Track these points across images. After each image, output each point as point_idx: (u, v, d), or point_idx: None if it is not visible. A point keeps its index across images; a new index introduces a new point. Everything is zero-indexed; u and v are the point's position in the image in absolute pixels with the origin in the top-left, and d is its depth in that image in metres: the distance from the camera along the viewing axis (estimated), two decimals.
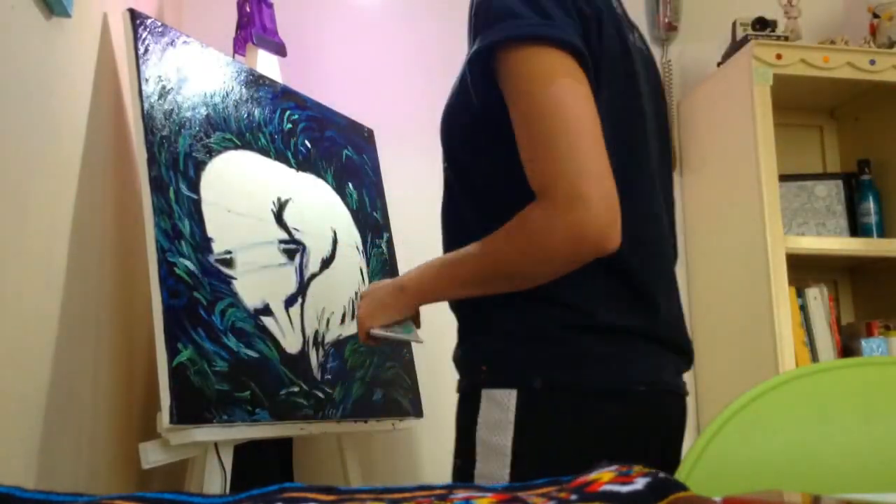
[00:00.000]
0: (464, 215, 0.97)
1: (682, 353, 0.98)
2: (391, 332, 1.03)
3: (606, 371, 0.88)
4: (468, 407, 0.93)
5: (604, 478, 0.49)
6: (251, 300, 1.45)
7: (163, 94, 1.40)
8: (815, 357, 2.01)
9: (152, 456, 1.23)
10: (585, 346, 0.88)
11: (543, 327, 0.89)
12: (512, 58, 0.81)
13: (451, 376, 2.21)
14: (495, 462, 0.88)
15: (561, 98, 0.78)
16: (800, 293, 2.04)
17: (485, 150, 0.92)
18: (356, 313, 1.05)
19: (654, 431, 0.90)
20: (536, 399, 0.87)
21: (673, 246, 1.02)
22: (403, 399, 1.79)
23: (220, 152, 1.50)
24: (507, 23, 0.81)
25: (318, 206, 1.75)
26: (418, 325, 1.12)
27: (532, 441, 0.87)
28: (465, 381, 0.97)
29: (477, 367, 0.94)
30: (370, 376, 1.71)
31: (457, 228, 1.00)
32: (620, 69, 0.89)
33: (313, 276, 1.65)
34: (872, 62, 2.06)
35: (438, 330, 2.15)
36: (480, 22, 0.84)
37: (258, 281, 1.49)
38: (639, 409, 0.89)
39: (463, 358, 0.98)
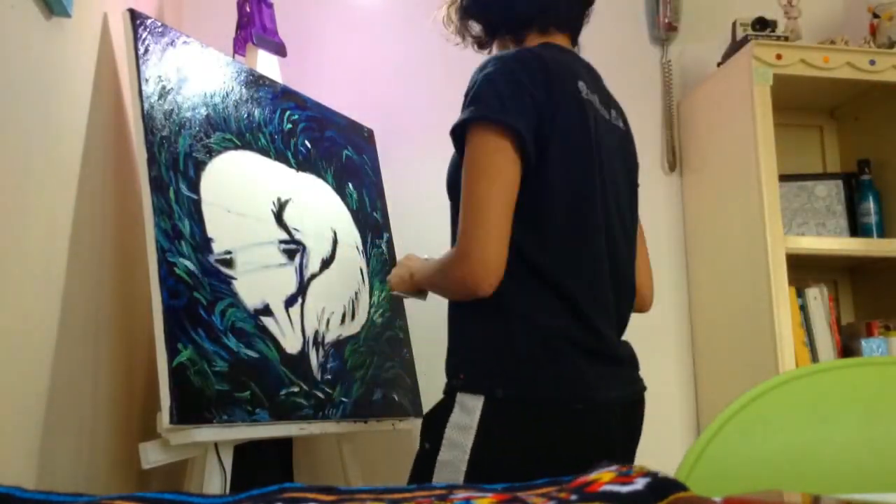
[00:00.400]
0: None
1: (623, 365, 1.20)
2: (405, 294, 1.40)
3: (554, 388, 1.08)
4: (445, 405, 1.13)
5: (604, 478, 0.49)
6: (251, 300, 1.45)
7: (163, 94, 1.40)
8: (815, 357, 2.01)
9: (152, 456, 1.23)
10: (538, 362, 1.09)
11: (506, 340, 1.11)
12: (470, 132, 1.11)
13: None
14: (456, 452, 1.08)
15: (485, 182, 1.07)
16: (800, 293, 2.03)
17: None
18: (391, 273, 1.40)
19: (595, 445, 1.09)
20: (497, 408, 1.07)
21: (625, 285, 1.23)
22: (403, 399, 1.79)
23: (220, 152, 1.50)
24: (474, 106, 1.10)
25: (318, 207, 1.75)
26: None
27: (488, 444, 1.07)
28: (448, 385, 1.16)
29: (456, 374, 1.15)
30: (370, 376, 1.71)
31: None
32: (578, 143, 1.13)
33: (313, 276, 1.65)
34: (872, 62, 2.06)
35: (438, 332, 2.15)
36: (465, 100, 1.14)
37: (258, 281, 1.49)
38: (578, 424, 1.08)
39: (447, 365, 1.19)
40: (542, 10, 1.23)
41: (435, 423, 1.13)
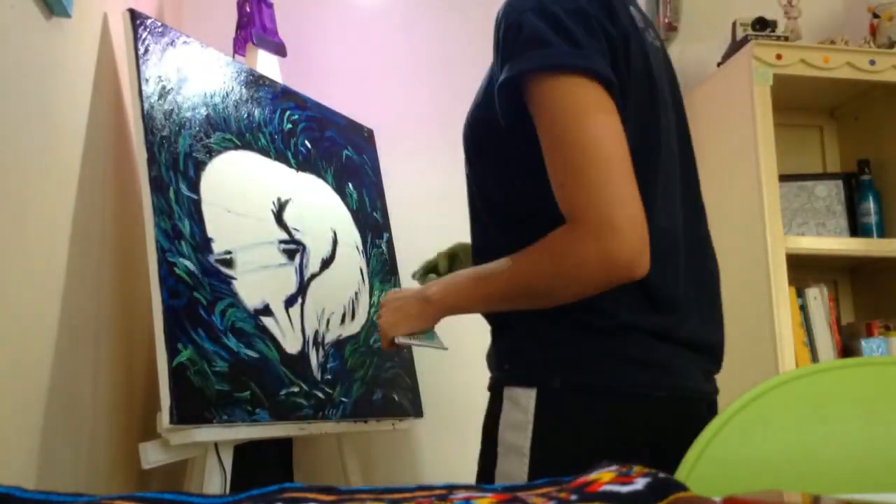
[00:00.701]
0: (486, 227, 1.00)
1: (707, 354, 0.97)
2: (416, 339, 1.03)
3: (626, 374, 0.88)
4: (493, 406, 0.94)
5: (604, 478, 0.49)
6: (251, 300, 1.45)
7: (163, 94, 1.40)
8: (815, 357, 2.01)
9: (152, 456, 1.23)
10: (604, 347, 0.88)
11: (563, 327, 0.89)
12: (544, 87, 0.82)
13: (451, 376, 2.22)
14: (515, 461, 0.89)
15: (592, 130, 0.80)
16: (800, 293, 2.03)
17: (509, 166, 0.93)
18: (378, 322, 1.05)
19: (675, 439, 0.86)
20: (554, 399, 0.88)
21: (699, 256, 0.99)
22: (403, 399, 1.79)
23: (220, 152, 1.50)
24: (538, 51, 0.82)
25: (318, 207, 1.75)
26: None
27: (548, 442, 0.88)
28: (492, 379, 0.98)
29: (501, 364, 0.96)
30: (370, 376, 1.71)
31: (479, 239, 1.02)
32: (645, 87, 0.89)
33: (313, 276, 1.65)
34: (872, 62, 2.06)
35: (438, 331, 2.14)
36: (510, 47, 0.85)
37: (258, 281, 1.48)
38: (658, 414, 0.88)
39: (490, 355, 0.99)
40: None
41: (486, 429, 0.96)
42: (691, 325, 0.93)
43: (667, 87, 0.97)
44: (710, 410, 0.96)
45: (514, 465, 0.88)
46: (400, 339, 1.02)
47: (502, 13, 0.89)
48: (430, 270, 1.23)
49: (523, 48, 0.83)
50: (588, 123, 0.81)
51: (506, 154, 0.93)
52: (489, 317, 1.01)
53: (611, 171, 0.79)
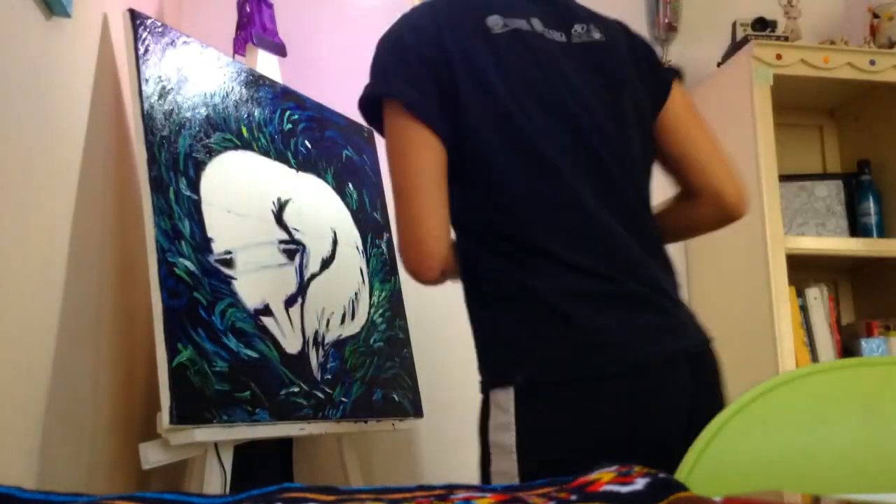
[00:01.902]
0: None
1: (663, 313, 1.00)
2: None
3: (570, 358, 0.93)
4: (483, 410, 1.02)
5: (604, 478, 0.49)
6: (251, 300, 1.45)
7: (163, 94, 1.40)
8: (815, 357, 2.01)
9: (152, 456, 1.23)
10: (547, 336, 0.95)
11: (508, 322, 0.99)
12: (383, 111, 1.04)
13: (451, 376, 2.22)
14: (506, 460, 0.94)
15: (394, 151, 1.01)
16: (800, 293, 2.03)
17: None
18: None
19: (646, 409, 0.93)
20: (525, 395, 0.94)
21: (627, 209, 1.03)
22: (403, 399, 1.79)
23: (220, 152, 1.50)
24: (371, 80, 1.07)
25: (318, 207, 1.75)
26: None
27: (530, 439, 0.93)
28: (480, 384, 1.05)
29: (482, 370, 1.04)
30: (370, 376, 1.71)
31: None
32: (500, 84, 0.98)
33: (313, 276, 1.65)
34: (872, 62, 2.06)
35: (438, 331, 2.15)
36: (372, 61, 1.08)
37: (258, 281, 1.49)
38: (620, 390, 0.92)
39: (478, 361, 1.07)
40: None
41: (481, 431, 1.01)
42: (633, 281, 0.97)
43: (581, 76, 1.03)
44: (696, 361, 1.00)
45: (507, 464, 0.94)
46: None
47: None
48: None
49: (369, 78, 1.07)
50: (393, 156, 1.00)
51: None
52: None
53: (409, 199, 0.99)
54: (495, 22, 1.03)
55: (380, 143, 2.07)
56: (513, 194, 0.98)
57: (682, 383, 0.96)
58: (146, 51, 1.38)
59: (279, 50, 1.90)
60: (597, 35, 1.08)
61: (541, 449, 0.93)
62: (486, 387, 1.00)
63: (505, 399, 0.95)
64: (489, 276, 1.00)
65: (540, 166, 0.98)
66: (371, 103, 1.05)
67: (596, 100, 1.03)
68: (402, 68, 1.00)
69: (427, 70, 0.99)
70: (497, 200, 0.98)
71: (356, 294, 1.78)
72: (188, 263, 1.33)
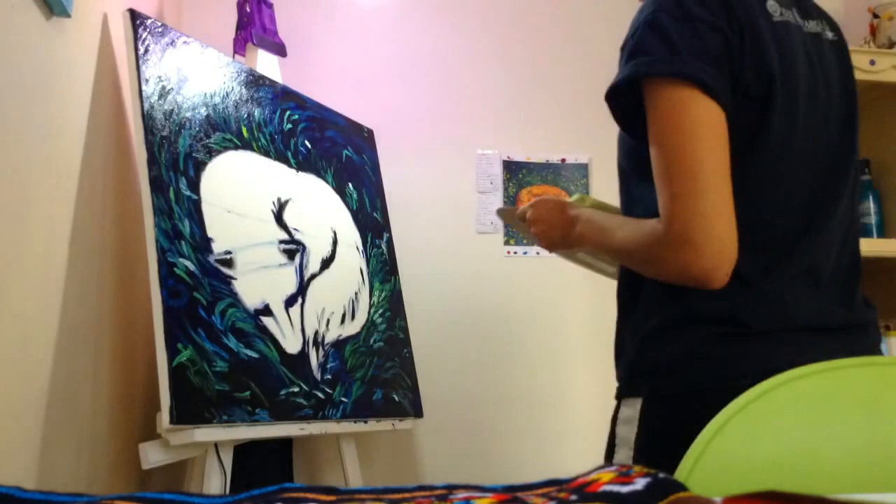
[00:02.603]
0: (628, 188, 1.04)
1: (831, 332, 0.95)
2: (589, 257, 1.12)
3: (708, 370, 0.89)
4: (615, 409, 0.99)
5: (603, 478, 0.49)
6: (251, 300, 1.45)
7: (163, 94, 1.40)
8: None
9: (152, 456, 1.23)
10: (688, 347, 0.90)
11: (651, 331, 0.94)
12: (647, 93, 0.86)
13: (451, 377, 2.22)
14: (625, 452, 0.94)
15: (681, 138, 0.83)
16: None
17: (637, 162, 0.97)
18: (531, 228, 1.11)
19: None
20: (650, 407, 0.93)
21: (839, 251, 0.99)
22: (403, 399, 1.79)
23: (220, 152, 1.50)
24: (637, 60, 0.86)
25: (318, 207, 1.75)
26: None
27: (649, 439, 0.92)
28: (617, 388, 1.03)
29: (619, 376, 1.01)
30: (370, 376, 1.71)
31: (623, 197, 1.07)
32: (784, 99, 0.88)
33: (313, 276, 1.65)
34: (872, 62, 2.06)
35: (438, 331, 2.15)
36: (621, 58, 0.90)
37: (258, 281, 1.48)
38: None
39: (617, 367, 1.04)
40: None
41: (610, 432, 1.00)
42: (804, 312, 0.92)
43: (807, 94, 0.93)
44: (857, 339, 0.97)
45: (624, 456, 0.94)
46: (583, 255, 1.13)
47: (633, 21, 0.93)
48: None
49: (629, 56, 0.88)
50: (678, 133, 0.84)
51: (634, 157, 0.97)
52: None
53: (696, 184, 0.82)
54: (774, 8, 0.93)
55: (380, 143, 2.08)
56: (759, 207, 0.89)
57: None
58: (146, 51, 1.38)
59: (279, 50, 1.90)
60: (830, 34, 1.00)
61: (657, 450, 0.91)
62: (620, 392, 0.99)
63: (635, 401, 0.96)
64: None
65: (786, 181, 0.91)
66: (629, 82, 0.88)
67: (833, 109, 0.96)
68: (694, 42, 0.85)
69: (719, 45, 0.85)
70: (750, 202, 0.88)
71: (356, 294, 1.78)
72: (188, 263, 1.33)
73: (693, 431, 0.80)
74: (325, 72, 2.21)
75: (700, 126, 0.83)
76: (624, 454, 0.94)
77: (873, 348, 1.01)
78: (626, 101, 0.90)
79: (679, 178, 0.83)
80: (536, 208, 1.11)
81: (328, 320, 1.65)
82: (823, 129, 0.94)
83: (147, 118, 1.34)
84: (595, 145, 2.28)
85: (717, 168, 0.83)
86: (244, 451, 1.44)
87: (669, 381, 0.91)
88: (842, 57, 1.00)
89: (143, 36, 1.39)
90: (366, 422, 1.65)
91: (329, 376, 1.58)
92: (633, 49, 0.87)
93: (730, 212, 0.83)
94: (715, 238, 0.82)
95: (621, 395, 0.98)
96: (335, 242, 1.76)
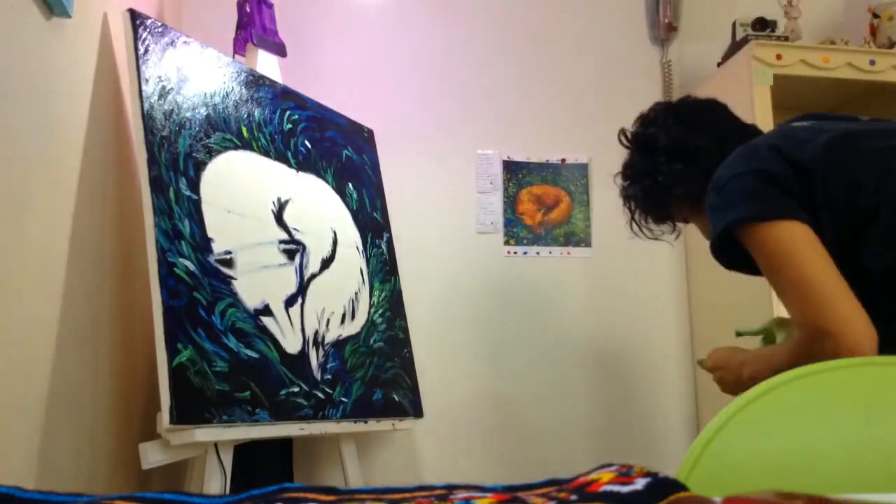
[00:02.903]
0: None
1: None
2: None
3: None
4: None
5: (604, 478, 0.49)
6: (251, 300, 1.45)
7: (163, 94, 1.40)
8: None
9: (152, 456, 1.23)
10: None
11: None
12: (752, 233, 1.05)
13: (451, 376, 2.21)
14: None
15: (794, 260, 1.01)
16: None
17: None
18: (709, 369, 1.28)
19: None
20: None
21: None
22: (403, 399, 1.79)
23: (220, 152, 1.50)
24: (741, 206, 1.05)
25: (318, 207, 1.75)
26: None
27: None
28: None
29: None
30: (370, 376, 1.71)
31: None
32: (843, 198, 1.05)
33: (313, 276, 1.65)
34: (872, 62, 2.06)
35: (439, 331, 2.14)
36: (717, 201, 1.09)
37: (258, 281, 1.48)
38: None
39: None
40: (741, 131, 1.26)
41: None
42: None
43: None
44: None
45: None
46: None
47: (714, 181, 1.12)
48: (765, 338, 1.41)
49: (728, 205, 1.07)
50: (791, 258, 1.02)
51: None
52: None
53: (816, 292, 1.00)
54: (831, 128, 1.11)
55: (380, 143, 2.07)
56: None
57: None
58: (146, 51, 1.38)
59: (279, 50, 1.90)
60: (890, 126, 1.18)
61: None
62: None
63: None
64: None
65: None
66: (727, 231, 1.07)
67: None
68: (777, 192, 1.05)
69: (790, 191, 1.05)
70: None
71: (356, 294, 1.78)
72: (188, 263, 1.33)
73: None
74: (325, 72, 2.21)
75: (807, 250, 1.01)
76: None
77: None
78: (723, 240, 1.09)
79: (808, 290, 1.00)
80: (711, 358, 1.29)
81: (328, 320, 1.65)
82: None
83: (147, 118, 1.34)
84: (595, 145, 2.28)
85: (832, 279, 1.00)
86: (244, 451, 1.44)
87: None
88: None
89: (143, 36, 1.39)
90: (366, 422, 1.65)
91: (329, 376, 1.58)
92: (730, 201, 1.07)
93: (858, 303, 0.98)
94: (861, 331, 0.98)
95: None
96: (335, 242, 1.76)
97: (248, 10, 1.85)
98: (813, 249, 1.02)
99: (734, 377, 1.22)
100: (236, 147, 1.55)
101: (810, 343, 1.01)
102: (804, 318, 1.01)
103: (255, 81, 1.68)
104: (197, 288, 1.33)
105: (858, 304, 0.99)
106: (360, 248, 1.85)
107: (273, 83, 1.74)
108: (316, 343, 1.59)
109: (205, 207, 1.41)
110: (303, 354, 1.53)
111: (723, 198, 1.09)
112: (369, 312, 1.80)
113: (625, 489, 0.46)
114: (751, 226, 1.05)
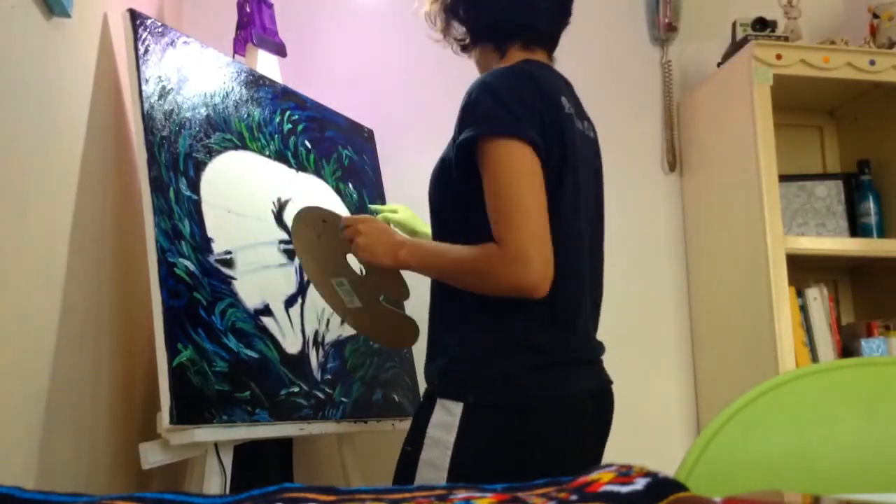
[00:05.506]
0: (444, 226, 1.29)
1: (593, 363, 1.25)
2: (344, 288, 1.38)
3: (526, 391, 1.12)
4: (425, 408, 1.17)
5: (604, 478, 0.49)
6: (251, 300, 1.45)
7: (163, 94, 1.40)
8: (815, 357, 2.01)
9: (152, 456, 1.23)
10: (511, 368, 1.13)
11: (478, 351, 1.15)
12: (488, 149, 1.10)
13: None
14: (438, 451, 1.11)
15: (519, 184, 1.08)
16: (800, 293, 2.03)
17: (459, 206, 1.21)
18: (356, 237, 1.28)
19: (562, 436, 1.14)
20: (474, 412, 1.11)
21: (597, 285, 1.30)
22: (403, 399, 1.79)
23: (220, 152, 1.50)
24: (487, 123, 1.11)
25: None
26: (398, 294, 1.42)
27: (470, 441, 1.10)
28: (427, 389, 1.21)
29: (432, 379, 1.20)
30: (370, 376, 1.71)
31: (436, 232, 1.33)
32: (566, 160, 1.16)
33: None
34: (872, 62, 2.06)
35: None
36: (467, 117, 1.14)
37: (258, 281, 1.49)
38: (546, 420, 1.13)
39: (425, 370, 1.24)
40: (528, 28, 1.27)
41: (416, 426, 1.16)
42: (581, 341, 1.20)
43: (582, 171, 1.20)
44: (599, 398, 1.24)
45: (437, 454, 1.10)
46: (339, 280, 1.39)
47: (467, 91, 1.17)
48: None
49: (476, 118, 1.12)
50: (517, 180, 1.08)
51: (457, 199, 1.21)
52: (427, 341, 1.26)
53: (529, 216, 1.07)
54: (565, 104, 1.19)
55: (380, 143, 2.08)
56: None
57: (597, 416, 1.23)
58: (146, 51, 1.38)
59: (279, 50, 1.90)
60: (592, 134, 1.31)
61: (476, 452, 1.13)
62: (435, 394, 1.18)
63: (454, 407, 1.14)
64: (494, 305, 1.15)
65: (571, 246, 1.17)
66: (477, 139, 1.12)
67: (591, 194, 1.26)
68: (526, 114, 1.11)
69: (539, 125, 1.12)
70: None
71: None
72: (188, 263, 1.33)
73: (514, 441, 1.09)
74: (325, 72, 2.21)
75: (531, 180, 1.09)
76: (439, 453, 1.10)
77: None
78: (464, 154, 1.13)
79: (518, 212, 1.07)
80: (367, 223, 1.30)
81: (328, 320, 1.65)
82: (590, 193, 1.25)
83: (147, 118, 1.34)
84: None
85: (541, 209, 1.08)
86: (244, 451, 1.44)
87: (495, 393, 1.12)
88: (596, 151, 1.32)
89: (143, 36, 1.39)
90: (366, 422, 1.65)
91: (329, 376, 1.58)
92: (483, 112, 1.12)
93: (549, 238, 1.08)
94: (544, 257, 1.06)
95: (436, 396, 1.15)
96: None
97: (248, 10, 1.85)
98: (540, 184, 1.10)
99: (384, 248, 1.25)
100: (236, 147, 1.55)
101: (500, 261, 1.07)
102: (508, 237, 1.06)
103: (255, 81, 1.68)
104: (197, 288, 1.33)
105: (552, 251, 1.08)
106: None
107: (273, 83, 1.74)
108: (316, 343, 1.59)
109: (205, 207, 1.42)
110: (303, 354, 1.53)
111: (486, 104, 1.13)
112: None
113: (625, 489, 0.46)
114: (486, 142, 1.10)
